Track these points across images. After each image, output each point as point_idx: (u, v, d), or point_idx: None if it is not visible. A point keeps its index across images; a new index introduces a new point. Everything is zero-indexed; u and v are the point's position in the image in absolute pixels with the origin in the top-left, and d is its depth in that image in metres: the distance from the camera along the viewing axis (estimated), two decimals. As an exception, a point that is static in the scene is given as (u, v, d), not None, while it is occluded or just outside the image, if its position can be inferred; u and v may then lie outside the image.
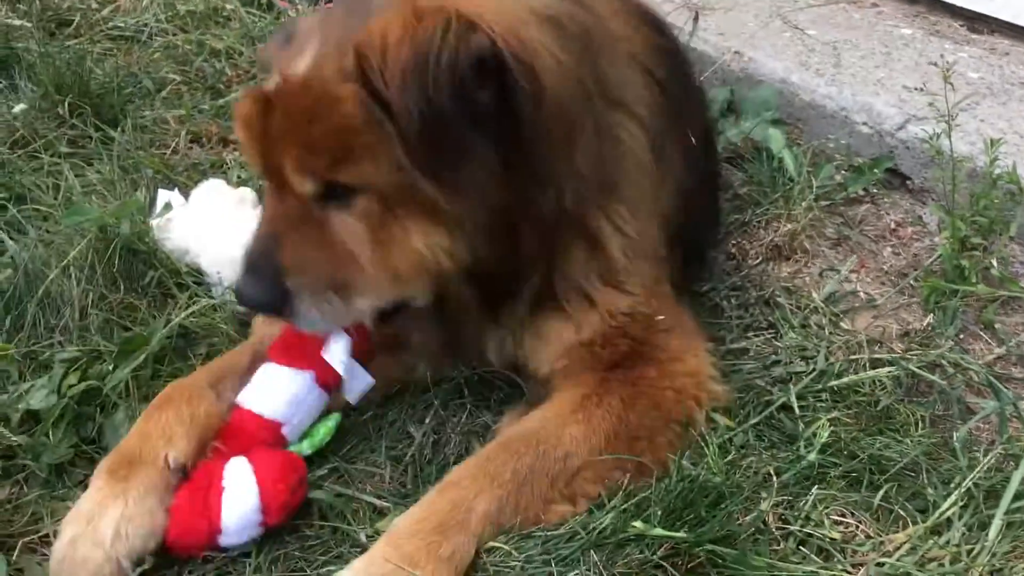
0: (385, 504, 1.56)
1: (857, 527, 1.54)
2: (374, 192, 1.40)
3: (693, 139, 1.86)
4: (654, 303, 1.68)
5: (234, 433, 1.52)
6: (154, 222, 2.03)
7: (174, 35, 3.16)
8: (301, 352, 1.57)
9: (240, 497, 1.43)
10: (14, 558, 1.45)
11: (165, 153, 2.45)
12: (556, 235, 1.56)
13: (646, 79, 1.72)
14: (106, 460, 1.48)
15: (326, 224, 1.44)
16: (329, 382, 1.60)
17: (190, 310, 1.83)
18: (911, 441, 1.67)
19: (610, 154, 1.60)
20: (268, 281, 1.44)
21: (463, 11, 1.31)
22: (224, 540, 1.43)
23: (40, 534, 1.50)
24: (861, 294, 2.14)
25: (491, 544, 1.42)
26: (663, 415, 1.60)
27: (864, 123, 2.49)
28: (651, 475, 1.53)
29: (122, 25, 3.22)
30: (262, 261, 1.45)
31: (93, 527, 1.38)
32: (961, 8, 2.98)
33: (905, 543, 1.49)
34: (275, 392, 1.56)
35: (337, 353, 1.57)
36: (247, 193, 2.16)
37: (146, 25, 3.21)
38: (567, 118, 1.45)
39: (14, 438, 1.57)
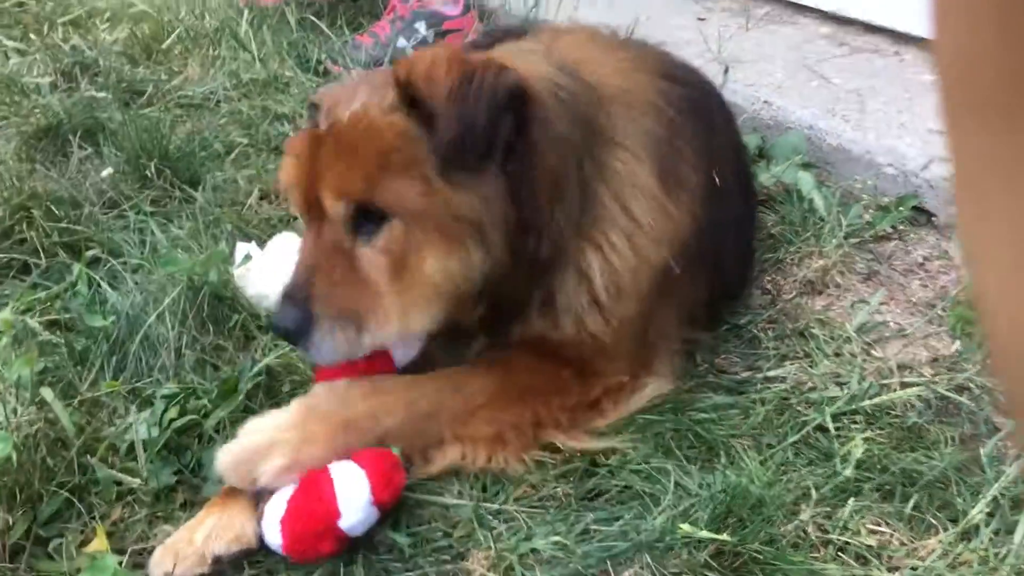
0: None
1: (892, 535, 1.66)
2: (401, 218, 1.57)
3: (718, 179, 1.97)
4: (620, 337, 1.83)
5: None
6: (235, 271, 2.23)
7: (239, 101, 3.41)
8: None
9: (349, 481, 1.56)
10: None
11: (240, 209, 2.66)
12: (547, 269, 1.75)
13: (651, 122, 1.85)
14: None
15: (354, 257, 1.60)
16: None
17: (274, 353, 2.01)
18: (941, 456, 1.79)
19: (602, 187, 1.78)
20: (299, 309, 1.57)
21: (497, 58, 1.59)
22: (345, 523, 1.53)
23: (148, 548, 1.66)
24: (891, 324, 2.26)
25: (553, 538, 1.56)
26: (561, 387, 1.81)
27: (889, 164, 2.63)
28: (544, 433, 1.76)
29: (191, 94, 3.46)
30: (297, 291, 1.59)
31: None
32: (980, 53, 3.12)
33: (937, 548, 1.61)
34: None
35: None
36: (319, 243, 2.36)
37: (213, 93, 3.46)
38: (556, 174, 1.67)
39: (122, 466, 1.75)
